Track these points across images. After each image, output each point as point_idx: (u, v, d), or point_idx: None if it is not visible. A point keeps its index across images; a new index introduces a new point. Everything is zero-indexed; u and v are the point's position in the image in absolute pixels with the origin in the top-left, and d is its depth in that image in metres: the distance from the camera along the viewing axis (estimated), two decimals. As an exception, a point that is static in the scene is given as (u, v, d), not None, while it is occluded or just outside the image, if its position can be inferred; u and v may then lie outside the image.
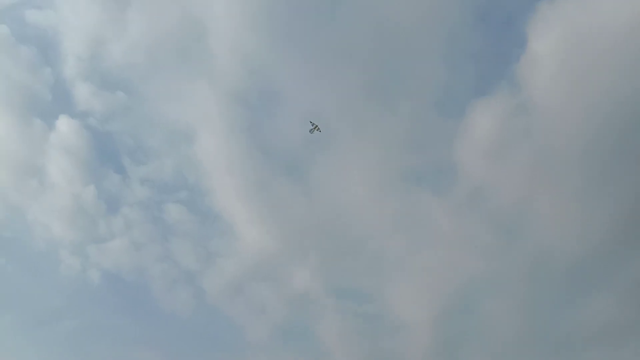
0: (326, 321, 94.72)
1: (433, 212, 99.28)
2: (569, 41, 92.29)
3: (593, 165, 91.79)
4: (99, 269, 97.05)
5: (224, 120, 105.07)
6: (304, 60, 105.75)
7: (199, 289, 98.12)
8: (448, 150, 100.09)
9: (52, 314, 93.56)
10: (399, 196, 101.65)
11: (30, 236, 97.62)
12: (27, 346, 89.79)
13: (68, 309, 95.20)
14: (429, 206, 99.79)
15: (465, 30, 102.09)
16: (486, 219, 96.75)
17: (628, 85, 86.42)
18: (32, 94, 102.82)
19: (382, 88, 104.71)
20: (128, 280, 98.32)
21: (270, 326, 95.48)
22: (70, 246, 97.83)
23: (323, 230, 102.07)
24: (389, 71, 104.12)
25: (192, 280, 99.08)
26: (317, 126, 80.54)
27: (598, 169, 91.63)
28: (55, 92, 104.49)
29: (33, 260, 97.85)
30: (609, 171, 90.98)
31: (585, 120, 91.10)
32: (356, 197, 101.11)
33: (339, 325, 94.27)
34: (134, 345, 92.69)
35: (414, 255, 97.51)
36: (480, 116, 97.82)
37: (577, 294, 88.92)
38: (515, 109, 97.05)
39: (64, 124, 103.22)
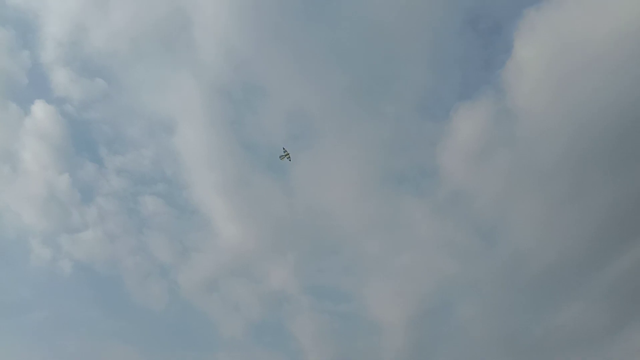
0: (301, 319, 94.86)
1: (413, 214, 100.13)
2: (554, 48, 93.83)
3: (572, 173, 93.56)
4: (71, 259, 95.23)
5: (206, 113, 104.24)
6: (290, 57, 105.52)
7: (174, 283, 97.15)
8: (430, 153, 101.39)
9: (19, 305, 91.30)
10: (380, 197, 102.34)
11: (0, 224, 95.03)
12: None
13: (37, 299, 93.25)
14: (409, 208, 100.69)
15: (453, 35, 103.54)
16: (465, 222, 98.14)
17: (611, 92, 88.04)
18: (8, 76, 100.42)
19: (367, 89, 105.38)
20: (100, 272, 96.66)
21: (244, 323, 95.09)
22: (41, 235, 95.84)
23: (302, 228, 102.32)
24: (374, 73, 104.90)
25: (167, 275, 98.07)
26: (288, 154, 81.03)
27: (576, 176, 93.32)
28: (32, 76, 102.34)
29: (2, 249, 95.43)
30: (587, 178, 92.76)
31: (566, 127, 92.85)
32: (336, 197, 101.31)
33: (314, 323, 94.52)
34: (105, 338, 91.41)
35: (392, 256, 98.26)
36: (464, 120, 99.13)
37: (551, 299, 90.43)
38: (499, 114, 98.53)
39: (40, 110, 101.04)
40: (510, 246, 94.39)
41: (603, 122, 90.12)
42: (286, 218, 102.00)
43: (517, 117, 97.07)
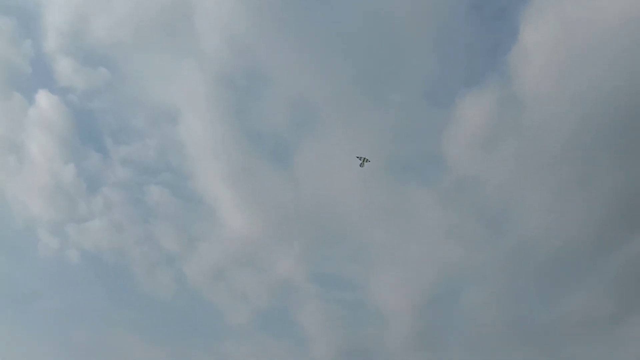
0: (307, 308, 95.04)
1: (418, 202, 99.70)
2: (560, 33, 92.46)
3: (579, 159, 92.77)
4: (78, 249, 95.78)
5: (210, 102, 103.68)
6: (294, 45, 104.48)
7: (180, 272, 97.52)
8: (436, 141, 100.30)
9: (28, 294, 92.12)
10: (385, 185, 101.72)
11: (7, 214, 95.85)
12: (1, 326, 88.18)
13: (45, 289, 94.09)
14: (414, 196, 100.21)
15: (458, 22, 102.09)
16: (471, 210, 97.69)
17: (619, 77, 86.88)
18: (12, 66, 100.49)
19: (371, 76, 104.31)
20: (108, 261, 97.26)
21: (251, 312, 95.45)
22: (49, 225, 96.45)
23: (307, 217, 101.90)
24: (379, 60, 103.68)
25: (173, 264, 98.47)
26: (365, 158, 78.68)
27: (584, 163, 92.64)
28: (36, 66, 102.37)
29: (10, 239, 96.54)
30: (594, 165, 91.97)
31: (573, 113, 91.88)
32: (342, 185, 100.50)
33: (320, 311, 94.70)
34: (113, 327, 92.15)
35: (397, 244, 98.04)
36: (470, 107, 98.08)
37: (557, 288, 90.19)
38: (505, 101, 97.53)
39: (44, 99, 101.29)
40: (517, 234, 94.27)
41: (611, 108, 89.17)
42: (291, 207, 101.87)
43: (524, 104, 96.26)
